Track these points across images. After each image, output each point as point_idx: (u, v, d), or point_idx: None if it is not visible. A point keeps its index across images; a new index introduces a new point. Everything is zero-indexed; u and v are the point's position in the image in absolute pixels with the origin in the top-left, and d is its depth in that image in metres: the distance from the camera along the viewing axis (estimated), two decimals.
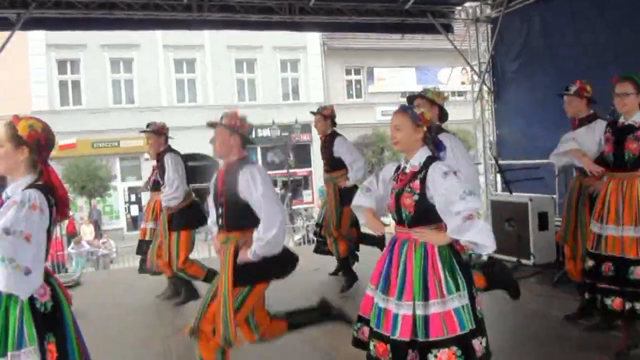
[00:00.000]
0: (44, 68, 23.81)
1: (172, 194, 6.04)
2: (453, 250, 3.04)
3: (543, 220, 7.30)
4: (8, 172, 2.73)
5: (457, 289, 2.94)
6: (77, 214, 21.72)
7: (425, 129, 3.13)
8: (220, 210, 3.77)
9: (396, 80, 28.15)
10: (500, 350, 3.45)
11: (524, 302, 4.88)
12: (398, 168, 3.24)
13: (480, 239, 2.85)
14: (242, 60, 26.37)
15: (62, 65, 24.41)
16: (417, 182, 3.04)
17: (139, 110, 24.32)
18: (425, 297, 2.93)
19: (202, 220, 5.99)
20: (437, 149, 3.14)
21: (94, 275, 11.09)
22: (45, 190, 2.66)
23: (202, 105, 25.30)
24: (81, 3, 8.02)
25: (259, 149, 26.58)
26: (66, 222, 19.15)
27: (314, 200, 26.12)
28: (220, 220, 3.77)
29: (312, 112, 6.87)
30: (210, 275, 5.88)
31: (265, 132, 25.54)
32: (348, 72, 28.22)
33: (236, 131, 3.80)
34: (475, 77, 10.15)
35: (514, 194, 8.19)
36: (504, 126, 9.79)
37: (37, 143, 2.72)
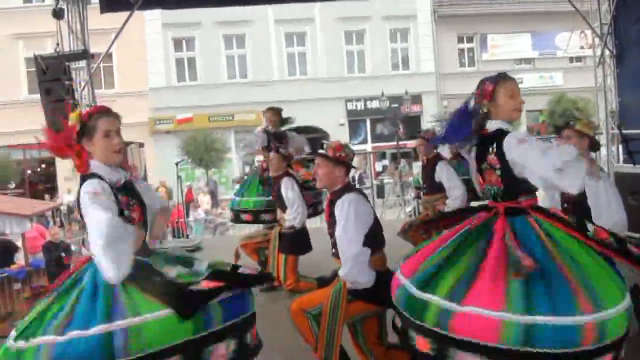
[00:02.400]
0: (160, 46, 24.98)
1: (294, 213, 6.19)
2: None
3: None
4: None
5: None
6: (195, 184, 22.81)
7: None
8: (332, 239, 3.79)
9: (511, 47, 27.00)
10: None
11: None
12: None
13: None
14: (351, 31, 26.32)
15: (177, 43, 25.50)
16: (491, 157, 3.00)
17: (251, 84, 25.04)
18: None
19: (308, 247, 6.21)
20: None
21: (212, 241, 11.64)
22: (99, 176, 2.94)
23: (312, 78, 25.62)
24: None
25: (368, 121, 26.59)
26: (185, 191, 20.20)
27: None
28: (333, 249, 3.81)
29: (414, 136, 6.86)
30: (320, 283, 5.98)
31: (375, 104, 25.48)
32: (460, 40, 27.36)
33: (341, 162, 3.79)
34: (597, 40, 9.57)
35: (638, 165, 7.74)
36: (628, 93, 9.16)
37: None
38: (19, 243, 12.37)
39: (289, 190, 6.12)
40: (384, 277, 3.53)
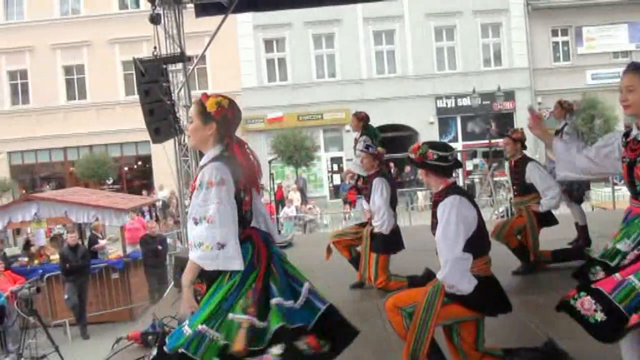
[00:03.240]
0: (251, 48, 25.62)
1: (380, 220, 6.13)
2: None
3: None
4: (198, 146, 3.01)
5: None
6: (284, 182, 23.20)
7: None
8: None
9: (607, 39, 25.71)
10: None
11: None
12: (627, 134, 2.97)
13: None
14: (441, 27, 25.94)
15: (268, 44, 26.03)
16: None
17: (340, 83, 25.18)
18: None
19: (400, 245, 6.16)
20: None
21: (302, 238, 11.83)
22: (228, 161, 2.84)
23: (401, 76, 25.44)
24: None
25: (458, 119, 26.11)
26: (275, 188, 20.60)
27: None
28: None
29: (502, 134, 6.66)
30: (411, 282, 5.92)
31: (466, 101, 24.97)
32: (554, 33, 26.30)
33: (427, 165, 3.60)
34: None
35: None
36: None
37: (224, 118, 2.93)
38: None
39: (376, 194, 6.11)
40: (487, 282, 3.46)
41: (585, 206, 9.09)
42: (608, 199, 14.27)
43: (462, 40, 25.91)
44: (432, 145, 3.65)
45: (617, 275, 2.70)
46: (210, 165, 2.82)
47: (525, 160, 6.45)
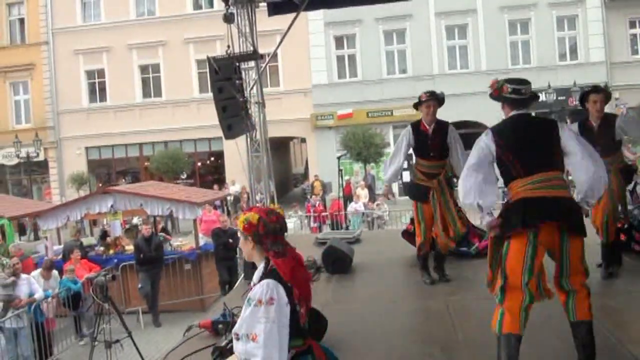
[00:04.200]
0: (322, 45, 25.74)
1: None
2: None
3: None
4: (249, 259, 3.08)
5: None
6: (353, 178, 23.23)
7: None
8: None
9: None
10: None
11: None
12: None
13: None
14: (515, 21, 25.31)
15: (339, 40, 26.09)
16: None
17: (411, 79, 24.97)
18: None
19: None
20: None
21: (369, 234, 11.86)
22: (278, 275, 2.82)
23: (474, 71, 24.99)
24: None
25: (533, 115, 25.35)
26: (344, 184, 20.67)
27: None
28: None
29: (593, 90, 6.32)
30: None
31: (541, 97, 24.22)
32: (632, 25, 25.05)
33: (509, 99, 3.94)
34: None
35: None
36: None
37: (257, 234, 2.93)
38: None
39: None
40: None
41: None
42: None
43: (537, 34, 25.19)
44: (508, 79, 3.90)
45: None
46: (262, 282, 2.82)
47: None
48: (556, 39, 25.32)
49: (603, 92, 6.28)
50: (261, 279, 2.86)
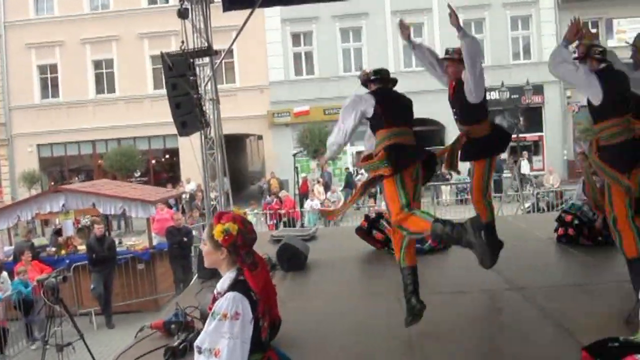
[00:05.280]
0: (279, 41, 25.67)
1: None
2: None
3: None
4: (213, 266, 2.94)
5: None
6: (310, 176, 23.24)
7: None
8: None
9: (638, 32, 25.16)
10: None
11: None
12: None
13: None
14: (469, 20, 25.59)
15: (295, 37, 26.07)
16: None
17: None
18: None
19: None
20: None
21: (326, 231, 11.86)
22: (245, 287, 2.76)
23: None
24: None
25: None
26: (300, 182, 20.66)
27: (544, 167, 24.81)
28: None
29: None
30: None
31: (494, 95, 24.60)
32: (585, 26, 25.77)
33: None
34: None
35: None
36: None
37: (233, 245, 2.81)
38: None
39: None
40: None
41: None
42: None
43: (491, 33, 25.65)
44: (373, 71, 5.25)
45: None
46: (227, 295, 2.74)
47: None
48: (510, 38, 25.82)
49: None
50: (228, 290, 2.78)
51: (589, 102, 4.63)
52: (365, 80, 5.19)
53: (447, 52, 5.62)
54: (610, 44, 25.24)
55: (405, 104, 5.03)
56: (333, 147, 4.89)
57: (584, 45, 4.96)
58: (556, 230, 7.39)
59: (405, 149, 4.61)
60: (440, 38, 25.27)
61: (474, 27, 25.73)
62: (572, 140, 25.16)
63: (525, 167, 23.03)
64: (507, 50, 25.75)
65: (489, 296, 5.61)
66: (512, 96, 23.84)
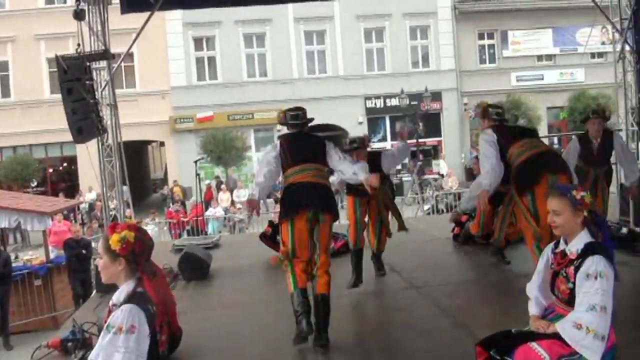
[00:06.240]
0: (181, 46, 25.14)
1: None
2: None
3: None
4: (111, 281, 2.81)
5: None
6: (214, 182, 22.96)
7: (585, 213, 3.03)
8: None
9: (532, 43, 26.70)
10: None
11: None
12: (557, 243, 3.18)
13: (584, 353, 2.83)
14: (370, 29, 26.27)
15: (198, 42, 25.64)
16: (572, 270, 2.98)
17: (271, 82, 25.11)
18: None
19: None
20: (599, 230, 3.05)
21: (230, 238, 11.76)
22: (142, 300, 2.68)
23: (332, 75, 25.61)
24: None
25: (387, 119, 26.51)
26: (204, 189, 20.34)
27: (443, 170, 25.73)
28: None
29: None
30: None
31: (394, 102, 25.41)
32: (480, 37, 27.08)
33: None
34: (617, 36, 9.45)
35: None
36: None
37: (132, 253, 2.74)
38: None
39: None
40: None
41: None
42: None
43: (392, 42, 26.31)
44: (289, 109, 5.14)
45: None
46: (123, 308, 2.63)
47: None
48: (409, 47, 26.57)
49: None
50: (124, 302, 2.67)
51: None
52: (283, 123, 5.23)
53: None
54: (506, 54, 26.71)
55: (309, 143, 5.08)
56: (253, 196, 5.00)
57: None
58: (453, 230, 7.74)
59: (299, 191, 4.66)
60: (341, 45, 25.71)
61: (375, 35, 26.37)
62: (469, 145, 26.23)
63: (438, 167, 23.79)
64: (407, 58, 26.52)
65: (391, 296, 5.74)
66: (412, 102, 24.61)
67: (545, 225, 4.22)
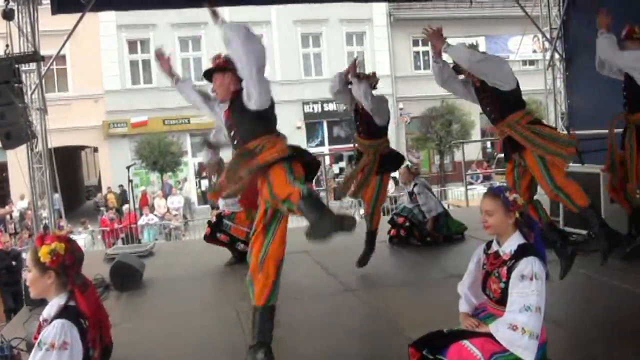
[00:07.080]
0: (115, 48, 24.55)
1: None
2: None
3: None
4: (40, 295, 2.71)
5: None
6: (150, 188, 22.53)
7: (517, 214, 3.10)
8: None
9: None
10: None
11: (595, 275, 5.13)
12: (490, 244, 3.25)
13: (519, 353, 2.89)
14: (307, 34, 26.40)
15: (132, 45, 25.11)
16: (504, 270, 3.04)
17: (207, 87, 24.66)
18: None
19: None
20: (531, 231, 3.13)
21: (166, 246, 11.54)
22: (74, 313, 2.60)
23: (269, 81, 25.50)
24: None
25: (325, 124, 26.68)
26: (139, 195, 19.92)
27: None
28: None
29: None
30: None
31: (331, 106, 25.58)
32: (415, 44, 27.65)
33: None
34: (547, 44, 9.85)
35: (586, 165, 7.96)
36: (576, 95, 9.48)
37: (62, 265, 2.64)
38: None
39: None
40: None
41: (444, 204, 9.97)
42: (462, 198, 15.14)
43: (328, 47, 26.52)
44: None
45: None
46: (55, 323, 2.53)
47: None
48: (346, 52, 26.80)
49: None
50: (55, 317, 2.57)
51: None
52: None
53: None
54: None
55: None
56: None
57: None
58: (389, 232, 7.88)
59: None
60: (278, 50, 25.70)
61: (312, 41, 26.51)
62: (405, 149, 26.66)
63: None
64: (343, 63, 26.62)
65: (326, 300, 5.76)
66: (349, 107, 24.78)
67: None
